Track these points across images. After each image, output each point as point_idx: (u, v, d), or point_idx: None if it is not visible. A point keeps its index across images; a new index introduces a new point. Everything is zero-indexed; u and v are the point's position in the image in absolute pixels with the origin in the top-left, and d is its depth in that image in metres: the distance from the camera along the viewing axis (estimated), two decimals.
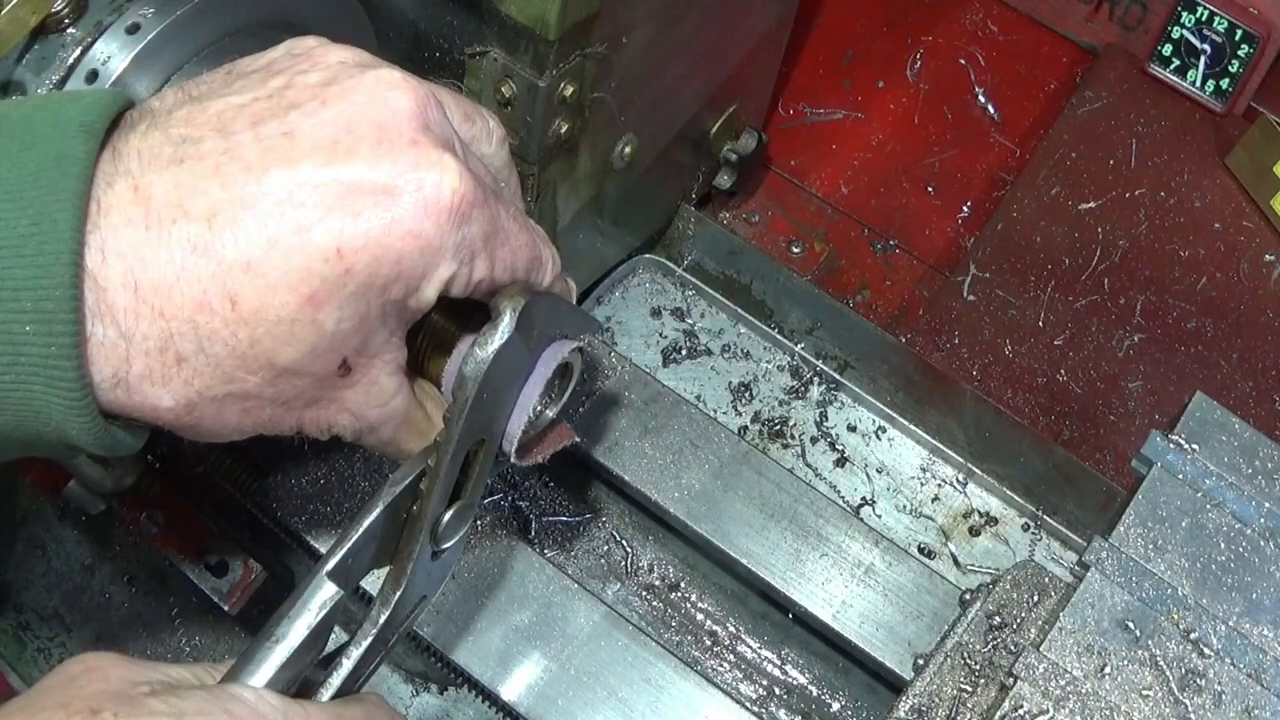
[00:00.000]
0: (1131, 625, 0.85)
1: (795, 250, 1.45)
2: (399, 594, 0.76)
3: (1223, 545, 0.88)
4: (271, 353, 0.62)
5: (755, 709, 1.00)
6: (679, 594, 1.11)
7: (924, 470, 1.21)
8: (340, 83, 0.65)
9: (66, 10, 0.75)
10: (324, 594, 0.71)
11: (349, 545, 0.73)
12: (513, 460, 0.81)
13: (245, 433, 0.67)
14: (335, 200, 0.61)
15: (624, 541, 1.12)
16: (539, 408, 0.83)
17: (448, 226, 0.64)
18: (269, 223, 0.60)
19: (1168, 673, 0.83)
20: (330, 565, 0.72)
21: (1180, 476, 0.89)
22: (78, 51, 0.76)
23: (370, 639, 0.75)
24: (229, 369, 0.62)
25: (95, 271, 0.60)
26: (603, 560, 1.11)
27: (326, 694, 0.72)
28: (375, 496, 0.75)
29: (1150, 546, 0.87)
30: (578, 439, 0.88)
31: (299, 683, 0.71)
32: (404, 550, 0.76)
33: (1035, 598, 0.91)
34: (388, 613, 0.76)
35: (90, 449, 0.63)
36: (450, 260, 0.65)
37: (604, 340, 1.21)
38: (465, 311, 0.80)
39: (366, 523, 0.74)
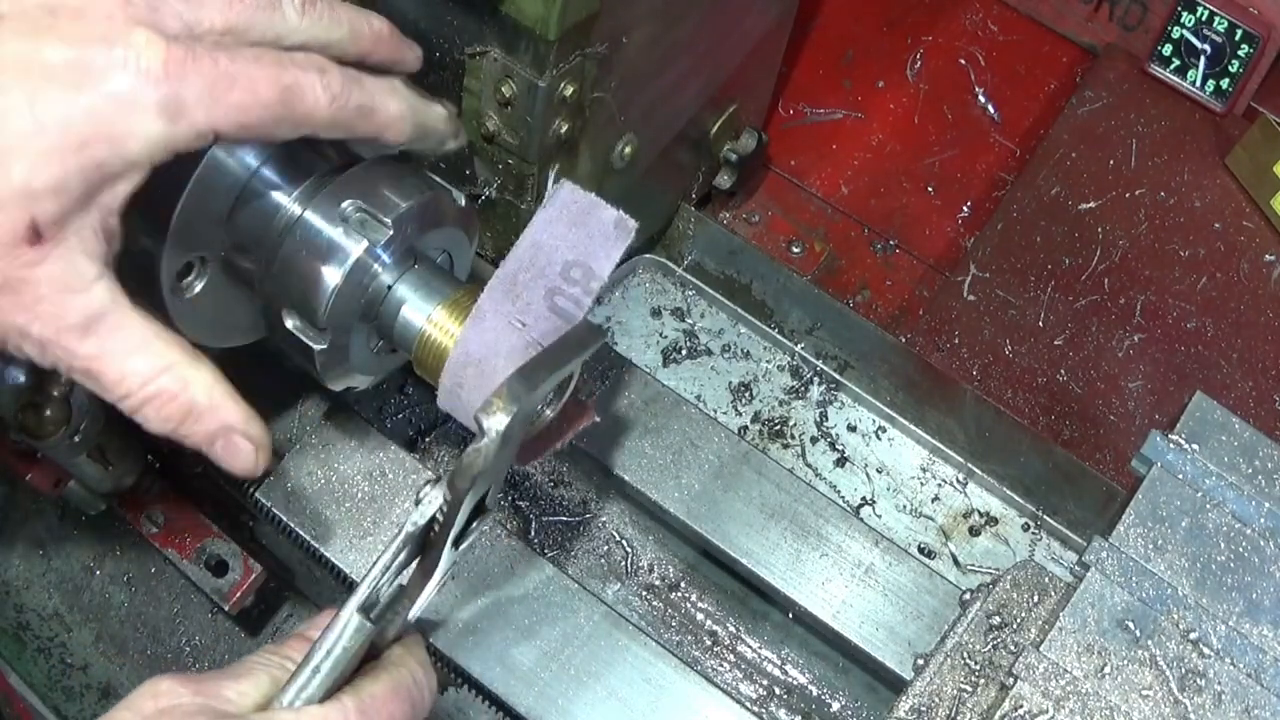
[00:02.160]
0: (1131, 625, 0.85)
1: (795, 250, 1.45)
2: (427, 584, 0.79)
3: (1223, 545, 0.88)
4: None
5: (755, 709, 0.99)
6: (679, 594, 1.11)
7: (924, 470, 1.21)
8: None
9: None
10: (352, 627, 0.74)
11: (371, 582, 0.75)
12: (513, 463, 0.81)
13: None
14: (30, 72, 0.65)
15: (624, 541, 1.11)
16: (540, 407, 0.83)
17: (147, 89, 0.66)
18: None
19: (1168, 673, 0.83)
20: (358, 602, 0.74)
21: (1180, 476, 0.89)
22: None
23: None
24: None
25: None
26: (603, 560, 1.11)
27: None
28: (389, 544, 0.76)
29: (1150, 546, 0.87)
30: (588, 422, 0.88)
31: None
32: (430, 565, 0.78)
33: (1035, 598, 0.91)
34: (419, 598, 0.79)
35: None
36: (156, 118, 0.67)
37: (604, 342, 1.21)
38: (463, 309, 0.80)
39: (391, 564, 0.76)
